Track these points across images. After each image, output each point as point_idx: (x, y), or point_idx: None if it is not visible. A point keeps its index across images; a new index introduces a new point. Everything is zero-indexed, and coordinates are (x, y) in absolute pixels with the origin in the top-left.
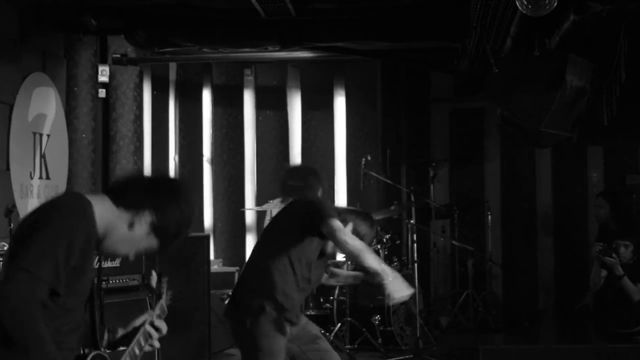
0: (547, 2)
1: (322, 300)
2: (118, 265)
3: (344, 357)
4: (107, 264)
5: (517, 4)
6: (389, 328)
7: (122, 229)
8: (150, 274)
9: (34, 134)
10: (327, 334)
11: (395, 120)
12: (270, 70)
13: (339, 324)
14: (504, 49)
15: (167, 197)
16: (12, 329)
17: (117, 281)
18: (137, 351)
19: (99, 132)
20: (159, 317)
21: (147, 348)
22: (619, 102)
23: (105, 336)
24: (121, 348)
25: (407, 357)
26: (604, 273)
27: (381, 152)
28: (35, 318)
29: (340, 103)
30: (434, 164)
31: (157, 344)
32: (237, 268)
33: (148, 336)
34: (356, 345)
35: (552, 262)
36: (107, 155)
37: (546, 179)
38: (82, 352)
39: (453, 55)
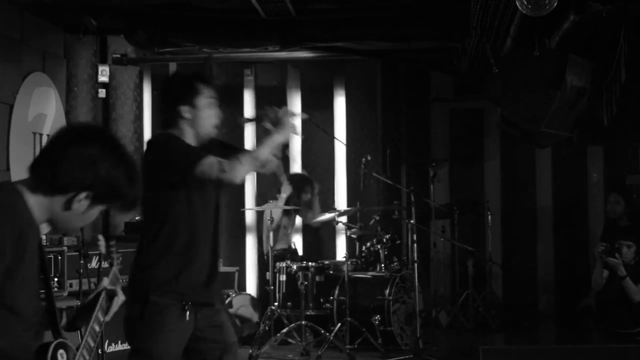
0: (547, 2)
1: (322, 300)
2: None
3: (344, 357)
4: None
5: (517, 4)
6: (389, 328)
7: (61, 211)
8: (98, 239)
9: (34, 134)
10: (327, 334)
11: (395, 120)
12: (270, 70)
13: (339, 324)
14: (504, 49)
15: (101, 172)
16: None
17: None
18: (96, 328)
19: None
20: (113, 284)
21: (107, 319)
22: (619, 102)
23: (64, 319)
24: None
25: (407, 357)
26: (605, 273)
27: (381, 152)
28: None
29: (340, 103)
30: (434, 164)
31: (111, 313)
32: (237, 268)
33: (105, 309)
34: (356, 345)
35: (552, 262)
36: None
37: (546, 179)
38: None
39: (453, 55)
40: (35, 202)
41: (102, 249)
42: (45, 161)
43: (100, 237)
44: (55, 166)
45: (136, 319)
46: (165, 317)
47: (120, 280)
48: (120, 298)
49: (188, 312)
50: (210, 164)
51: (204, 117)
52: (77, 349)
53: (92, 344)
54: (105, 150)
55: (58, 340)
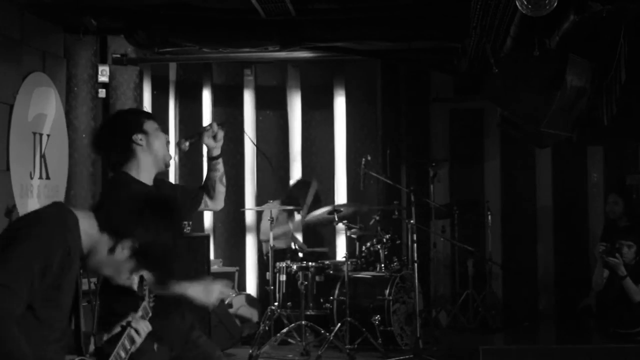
0: (547, 2)
1: (322, 300)
2: None
3: (344, 357)
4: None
5: (517, 4)
6: (389, 328)
7: (103, 252)
8: (132, 277)
9: (34, 134)
10: (327, 334)
11: (395, 120)
12: (270, 70)
13: (339, 324)
14: (504, 49)
15: (148, 227)
16: None
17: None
18: (122, 354)
19: None
20: (142, 317)
21: (132, 349)
22: (619, 102)
23: (92, 342)
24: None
25: (407, 357)
26: (606, 273)
27: (381, 152)
28: (14, 333)
29: (340, 103)
30: (434, 164)
31: (138, 343)
32: (237, 268)
33: (132, 338)
34: (356, 345)
35: (552, 262)
36: None
37: (546, 179)
38: None
39: (453, 55)
40: (86, 233)
41: (135, 286)
42: (111, 205)
43: (134, 275)
44: (119, 213)
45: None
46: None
47: (149, 313)
48: (147, 329)
49: (156, 345)
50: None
51: (157, 140)
52: None
53: None
54: (163, 220)
55: (82, 358)
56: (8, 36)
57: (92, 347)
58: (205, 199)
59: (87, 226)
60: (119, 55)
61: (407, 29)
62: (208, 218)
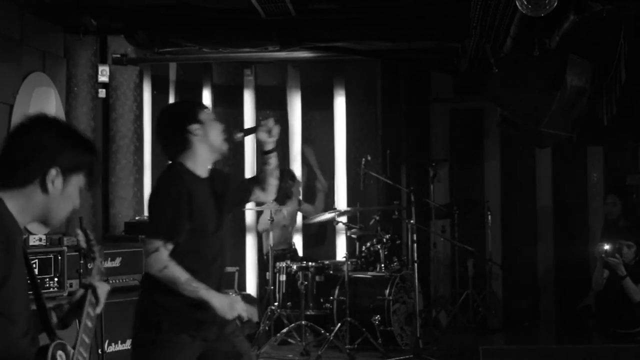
0: (547, 2)
1: (322, 300)
2: (118, 265)
3: (344, 357)
4: (107, 264)
5: (517, 4)
6: (389, 328)
7: (42, 201)
8: (77, 234)
9: None
10: (327, 334)
11: (395, 120)
12: (270, 70)
13: (339, 324)
14: (504, 49)
15: (55, 144)
16: None
17: (117, 281)
18: (89, 323)
19: (99, 132)
20: (99, 279)
21: (97, 312)
22: (619, 102)
23: (54, 318)
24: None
25: (407, 357)
26: (606, 274)
27: (381, 152)
28: None
29: (340, 103)
30: (434, 164)
31: (102, 305)
32: (237, 268)
33: (93, 303)
34: (356, 345)
35: (552, 262)
36: (107, 155)
37: (546, 179)
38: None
39: (453, 55)
40: (15, 205)
41: (82, 244)
42: (3, 162)
43: (79, 230)
44: (13, 161)
45: (148, 343)
46: (176, 345)
47: (104, 271)
48: (104, 288)
49: (195, 339)
50: (158, 259)
51: (213, 129)
52: (74, 348)
53: (87, 340)
54: (50, 128)
55: (56, 342)
56: (8, 36)
57: (55, 321)
58: (257, 191)
59: (13, 197)
60: (119, 55)
61: (407, 29)
62: None
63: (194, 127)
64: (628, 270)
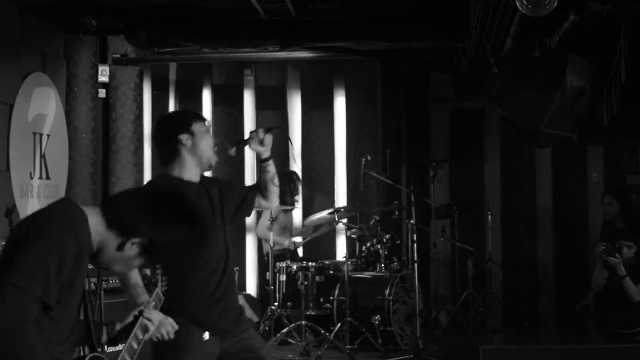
0: (547, 2)
1: (322, 300)
2: None
3: (344, 357)
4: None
5: (517, 4)
6: (389, 328)
7: (112, 249)
8: (143, 272)
9: (34, 134)
10: (327, 334)
11: (395, 120)
12: (270, 70)
13: (339, 324)
14: (504, 49)
15: (158, 223)
16: (5, 349)
17: (117, 281)
18: (134, 345)
19: (99, 132)
20: (155, 306)
21: (145, 339)
22: (619, 102)
23: (104, 335)
24: (120, 346)
25: (407, 357)
26: (605, 274)
27: (381, 152)
28: (30, 336)
29: (340, 103)
30: (434, 164)
31: (151, 332)
32: (237, 268)
33: (144, 327)
34: (356, 345)
35: (552, 262)
36: (107, 155)
37: (546, 179)
38: (81, 353)
39: (453, 55)
40: (95, 230)
41: (147, 271)
42: (119, 202)
43: (146, 271)
44: (127, 210)
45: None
46: (190, 338)
47: (162, 301)
48: (157, 317)
49: (207, 334)
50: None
51: (203, 141)
52: None
53: (128, 359)
54: (176, 216)
55: (93, 354)
56: (8, 36)
57: (104, 338)
58: (259, 198)
59: (95, 223)
60: (119, 55)
61: (407, 29)
62: None
63: (184, 137)
64: (628, 270)
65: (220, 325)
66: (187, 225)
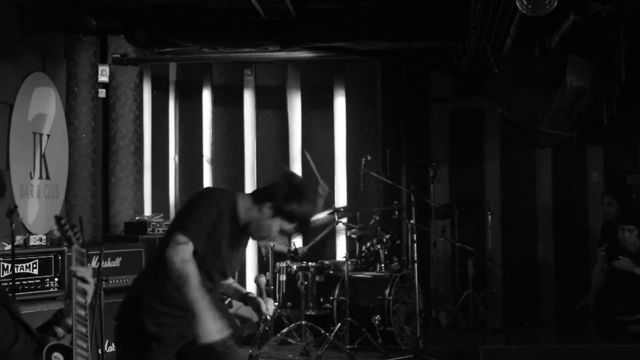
0: (547, 2)
1: (322, 300)
2: (118, 265)
3: (344, 357)
4: (107, 264)
5: (517, 4)
6: (389, 328)
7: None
8: (51, 225)
9: (34, 134)
10: (327, 334)
11: (395, 120)
12: (270, 70)
13: (339, 324)
14: (504, 49)
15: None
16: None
17: (117, 281)
18: (82, 312)
19: (99, 132)
20: (81, 262)
21: (88, 300)
22: (619, 102)
23: (57, 331)
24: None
25: (407, 357)
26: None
27: (381, 152)
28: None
29: (340, 103)
30: (434, 164)
31: (91, 291)
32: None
33: (82, 290)
34: (356, 345)
35: (552, 262)
36: (107, 155)
37: (546, 179)
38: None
39: (453, 55)
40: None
41: (56, 233)
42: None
43: (53, 219)
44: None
45: (127, 337)
46: (151, 347)
47: (84, 253)
48: (87, 272)
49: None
50: (184, 250)
51: (266, 228)
52: (71, 343)
53: (83, 330)
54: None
55: (50, 344)
56: (8, 36)
57: (60, 332)
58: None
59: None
60: (119, 55)
61: (407, 29)
62: None
63: (267, 205)
64: (632, 256)
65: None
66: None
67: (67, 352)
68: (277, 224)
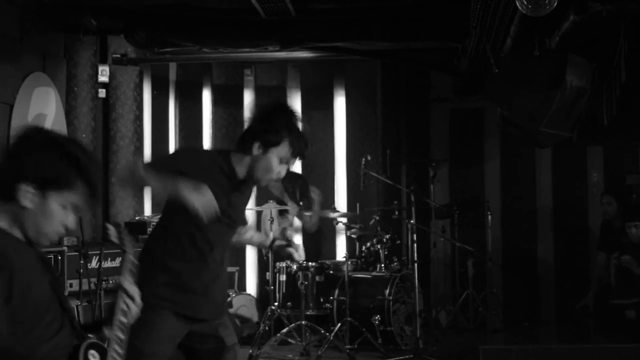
0: (547, 2)
1: (322, 300)
2: (118, 265)
3: (344, 357)
4: (107, 264)
5: (517, 4)
6: (389, 328)
7: (25, 217)
8: (107, 229)
9: None
10: (327, 334)
11: (395, 120)
12: (270, 70)
13: (339, 324)
14: (504, 49)
15: (27, 159)
16: None
17: (117, 281)
18: (123, 319)
19: (99, 132)
20: (132, 272)
21: (134, 309)
22: (619, 102)
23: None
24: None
25: (407, 357)
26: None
27: (381, 152)
28: None
29: (340, 103)
30: (434, 164)
31: (135, 313)
32: (237, 268)
33: (129, 298)
34: (356, 345)
35: (552, 262)
36: (107, 155)
37: (546, 179)
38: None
39: (453, 55)
40: (5, 221)
41: (114, 238)
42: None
43: (109, 225)
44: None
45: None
46: (158, 317)
47: (137, 265)
48: (135, 290)
49: (177, 318)
50: (140, 168)
51: (268, 166)
52: (108, 345)
53: (122, 336)
54: (28, 141)
55: (88, 342)
56: (8, 36)
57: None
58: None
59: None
60: (119, 55)
61: (407, 29)
62: None
63: (256, 145)
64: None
65: (198, 315)
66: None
67: (105, 353)
68: (273, 156)
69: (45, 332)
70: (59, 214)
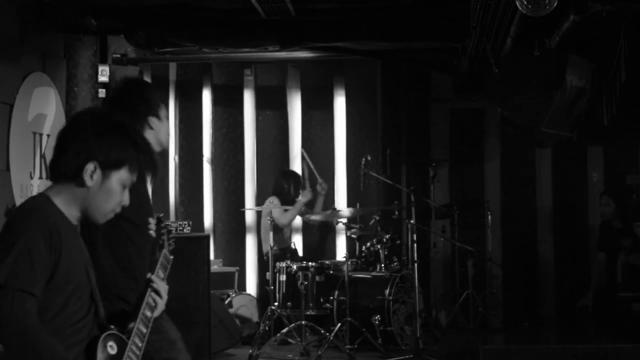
0: (547, 2)
1: (322, 300)
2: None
3: (344, 357)
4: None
5: (517, 4)
6: (389, 328)
7: (83, 195)
8: (148, 222)
9: (34, 134)
10: (327, 334)
11: (395, 120)
12: (270, 70)
13: (339, 324)
14: (504, 49)
15: (92, 139)
16: (19, 351)
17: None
18: (148, 314)
19: None
20: (164, 267)
21: (161, 305)
22: (619, 102)
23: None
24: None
25: (407, 357)
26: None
27: (381, 152)
28: (37, 331)
29: (340, 103)
30: (434, 164)
31: (160, 309)
32: (237, 268)
33: (152, 305)
34: (356, 345)
35: (552, 262)
36: None
37: (546, 179)
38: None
39: (453, 55)
40: (62, 201)
41: (152, 232)
42: (53, 163)
43: (150, 219)
44: (60, 160)
45: None
46: None
47: (171, 261)
48: (164, 287)
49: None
50: None
51: (165, 128)
52: (129, 338)
53: (144, 330)
54: (90, 123)
55: (108, 333)
56: (8, 36)
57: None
58: None
59: (60, 196)
60: (119, 55)
61: (407, 29)
62: (208, 218)
63: (152, 119)
64: None
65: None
66: (130, 143)
67: (123, 345)
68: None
69: (72, 315)
70: (118, 193)
